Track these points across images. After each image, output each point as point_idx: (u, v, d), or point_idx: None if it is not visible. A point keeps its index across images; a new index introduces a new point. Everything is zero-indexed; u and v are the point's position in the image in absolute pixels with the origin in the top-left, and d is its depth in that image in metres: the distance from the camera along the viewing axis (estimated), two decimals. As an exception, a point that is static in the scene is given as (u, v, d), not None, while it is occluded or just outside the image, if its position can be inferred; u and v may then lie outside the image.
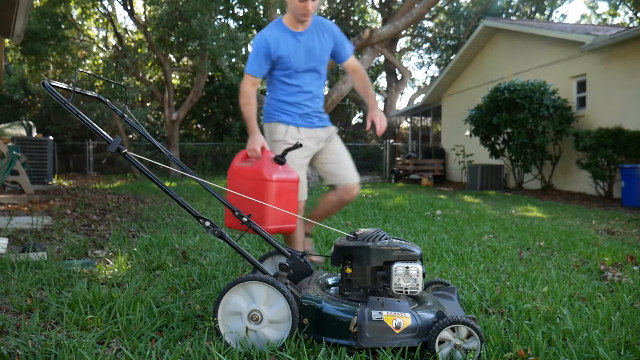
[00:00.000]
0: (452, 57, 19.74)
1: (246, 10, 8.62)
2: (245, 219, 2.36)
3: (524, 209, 7.36)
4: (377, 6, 22.89)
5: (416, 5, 8.55)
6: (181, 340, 1.99)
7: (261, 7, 8.54)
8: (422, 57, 30.32)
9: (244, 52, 16.56)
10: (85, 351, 1.79)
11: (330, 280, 2.26)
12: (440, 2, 19.57)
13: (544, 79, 10.65)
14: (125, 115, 2.52)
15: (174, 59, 18.18)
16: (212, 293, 2.58)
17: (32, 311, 2.26)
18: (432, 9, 18.33)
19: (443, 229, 4.97)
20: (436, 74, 25.86)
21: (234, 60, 15.13)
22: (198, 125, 23.00)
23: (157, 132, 20.97)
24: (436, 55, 25.77)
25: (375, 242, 2.04)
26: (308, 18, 2.87)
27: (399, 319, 1.86)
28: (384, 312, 1.87)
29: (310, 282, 2.14)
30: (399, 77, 22.32)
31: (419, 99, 20.33)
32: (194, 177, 2.32)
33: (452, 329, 1.83)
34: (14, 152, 6.97)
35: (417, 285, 1.99)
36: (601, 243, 4.34)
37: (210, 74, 19.59)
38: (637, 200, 8.04)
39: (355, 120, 28.50)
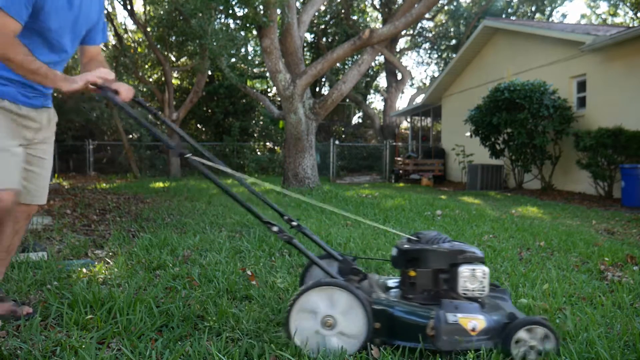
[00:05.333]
0: (452, 57, 19.73)
1: (246, 10, 8.60)
2: (294, 223, 2.29)
3: (524, 209, 7.36)
4: (377, 6, 22.88)
5: (416, 5, 8.54)
6: (181, 340, 1.99)
7: (261, 7, 8.52)
8: (422, 57, 30.34)
9: (243, 52, 16.53)
10: (85, 351, 1.79)
11: (389, 283, 2.23)
12: (440, 2, 19.57)
13: (544, 79, 10.65)
14: (162, 116, 2.47)
15: (173, 59, 18.18)
16: (212, 293, 2.57)
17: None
18: (432, 9, 18.32)
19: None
20: (436, 74, 25.86)
21: (233, 60, 15.13)
22: (198, 125, 22.99)
23: (157, 132, 20.93)
24: (436, 55, 25.77)
25: (440, 245, 2.04)
26: None
27: (474, 321, 1.86)
28: (459, 315, 1.87)
29: (373, 286, 2.12)
30: (399, 77, 22.31)
31: (419, 99, 20.33)
32: (234, 174, 2.26)
33: (528, 330, 1.83)
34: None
35: (484, 287, 1.98)
36: (601, 243, 4.34)
37: (210, 74, 19.59)
38: (637, 200, 8.04)
39: (355, 120, 28.51)
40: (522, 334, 1.82)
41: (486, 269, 1.99)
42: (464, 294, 1.98)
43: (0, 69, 1.96)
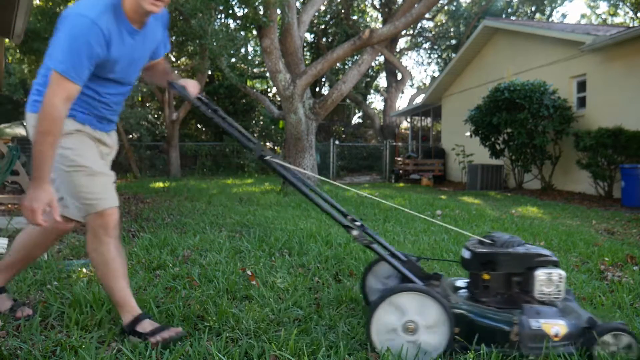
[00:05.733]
0: (452, 57, 19.73)
1: (246, 10, 8.60)
2: (358, 223, 2.23)
3: (524, 209, 7.36)
4: (377, 6, 22.88)
5: (416, 5, 8.54)
6: (181, 340, 1.99)
7: (261, 7, 8.52)
8: (422, 57, 30.35)
9: (243, 52, 16.50)
10: (85, 351, 1.79)
11: (457, 284, 2.22)
12: (440, 2, 19.56)
13: (544, 79, 10.64)
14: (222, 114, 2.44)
15: (173, 59, 18.17)
16: (212, 293, 2.57)
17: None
18: (432, 9, 18.33)
19: (443, 229, 4.96)
20: (436, 74, 25.87)
21: (233, 60, 15.10)
22: (198, 125, 22.99)
23: (157, 132, 20.96)
24: (436, 55, 25.77)
25: (516, 249, 2.03)
26: (157, 8, 1.87)
27: (557, 327, 1.86)
28: (541, 320, 1.87)
29: (446, 289, 2.12)
30: (399, 77, 22.31)
31: (419, 99, 20.32)
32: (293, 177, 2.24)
33: (610, 337, 1.84)
34: (14, 152, 6.97)
35: (560, 291, 1.97)
36: (601, 243, 4.34)
37: (210, 73, 19.58)
38: (637, 200, 8.04)
39: (355, 120, 28.51)
40: (605, 340, 1.83)
41: (563, 273, 1.98)
42: (540, 298, 1.97)
43: (78, 106, 1.95)
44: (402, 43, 25.10)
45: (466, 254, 2.09)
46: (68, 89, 1.79)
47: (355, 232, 2.02)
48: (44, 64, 1.96)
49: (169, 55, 17.11)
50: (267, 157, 2.04)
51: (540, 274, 1.97)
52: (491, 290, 2.03)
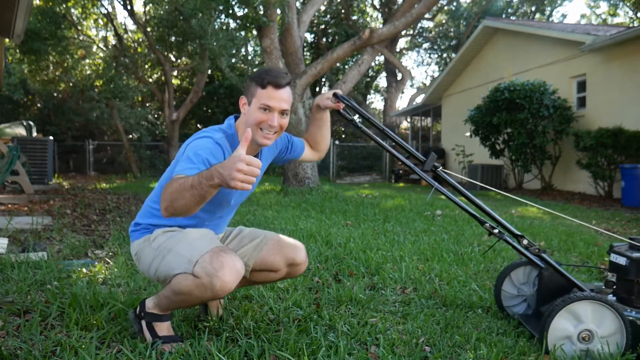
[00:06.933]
0: (452, 57, 19.73)
1: (246, 10, 8.60)
2: (496, 230, 2.22)
3: (524, 209, 7.36)
4: (377, 6, 22.88)
5: (416, 5, 8.55)
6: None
7: (261, 7, 8.52)
8: (422, 57, 30.36)
9: (243, 52, 16.50)
10: (85, 351, 1.79)
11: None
12: (440, 2, 19.57)
13: (544, 79, 10.65)
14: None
15: (173, 59, 18.18)
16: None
17: (31, 311, 2.26)
18: (432, 9, 18.33)
19: (443, 229, 4.97)
20: (436, 74, 25.87)
21: (233, 60, 15.09)
22: (198, 125, 23.00)
23: (157, 132, 20.97)
24: (436, 55, 25.77)
25: None
26: (269, 141, 1.97)
27: None
28: None
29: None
30: (399, 77, 22.31)
31: (419, 99, 20.32)
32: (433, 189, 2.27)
33: None
34: (14, 152, 6.97)
35: None
36: (601, 243, 4.34)
37: (210, 73, 19.58)
38: (637, 200, 8.04)
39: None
40: None
41: None
42: None
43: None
44: (402, 43, 25.10)
45: (622, 261, 2.09)
46: None
47: (525, 242, 2.13)
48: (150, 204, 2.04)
49: (169, 55, 17.11)
50: (440, 169, 2.18)
51: None
52: None
